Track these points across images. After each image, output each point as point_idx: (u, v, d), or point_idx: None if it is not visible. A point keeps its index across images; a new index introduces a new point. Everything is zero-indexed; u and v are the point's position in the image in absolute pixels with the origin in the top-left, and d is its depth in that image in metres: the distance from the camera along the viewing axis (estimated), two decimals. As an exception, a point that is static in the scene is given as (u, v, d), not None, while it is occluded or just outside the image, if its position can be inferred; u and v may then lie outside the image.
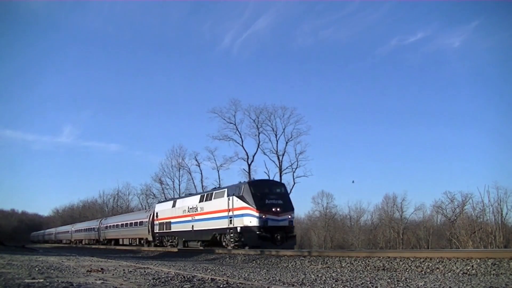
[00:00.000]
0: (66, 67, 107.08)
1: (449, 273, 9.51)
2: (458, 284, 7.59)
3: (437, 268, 10.09)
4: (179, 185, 58.33)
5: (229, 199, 22.45)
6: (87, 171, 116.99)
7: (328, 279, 8.81)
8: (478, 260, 9.79)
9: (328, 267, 12.38)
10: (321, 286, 7.58)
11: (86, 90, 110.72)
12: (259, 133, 48.35)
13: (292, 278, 9.10)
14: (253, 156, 48.57)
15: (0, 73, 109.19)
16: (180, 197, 32.04)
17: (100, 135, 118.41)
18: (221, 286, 6.58)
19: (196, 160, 54.17)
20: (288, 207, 21.83)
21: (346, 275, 9.81)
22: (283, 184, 23.84)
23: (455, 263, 9.99)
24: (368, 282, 8.08)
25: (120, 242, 41.66)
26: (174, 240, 29.23)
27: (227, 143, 49.15)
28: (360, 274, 10.13)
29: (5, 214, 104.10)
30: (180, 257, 20.50)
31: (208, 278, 7.70)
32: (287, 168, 47.69)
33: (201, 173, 55.05)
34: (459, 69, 74.70)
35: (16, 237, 78.23)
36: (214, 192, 25.30)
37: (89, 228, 52.83)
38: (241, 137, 48.61)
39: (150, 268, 10.36)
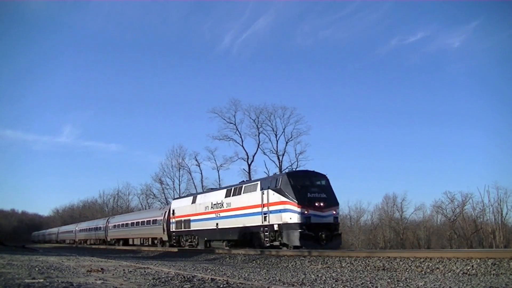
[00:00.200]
0: (66, 67, 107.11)
1: (449, 273, 9.50)
2: (458, 284, 7.59)
3: (437, 268, 10.09)
4: (179, 185, 58.39)
5: (263, 193, 20.13)
6: (87, 171, 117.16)
7: (328, 279, 8.81)
8: (478, 260, 9.79)
9: (328, 267, 12.38)
10: (321, 286, 7.58)
11: (86, 90, 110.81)
12: (259, 133, 48.37)
13: (292, 278, 9.10)
14: (253, 156, 48.60)
15: (1, 73, 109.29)
16: (201, 192, 28.95)
17: (100, 135, 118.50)
18: (221, 286, 6.58)
19: (196, 160, 54.23)
20: (332, 201, 19.42)
21: (346, 275, 9.81)
22: (325, 176, 20.90)
23: (455, 263, 9.99)
24: (368, 282, 8.08)
25: (130, 242, 39.32)
26: (194, 240, 26.93)
27: (227, 143, 49.21)
28: (360, 274, 10.13)
29: (5, 214, 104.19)
30: (180, 257, 20.50)
31: (208, 278, 7.70)
32: (287, 168, 47.60)
33: (201, 173, 55.12)
34: (459, 69, 74.71)
35: (16, 237, 78.14)
36: (243, 185, 22.69)
37: (95, 228, 50.32)
38: (241, 137, 48.63)
39: (150, 268, 10.36)
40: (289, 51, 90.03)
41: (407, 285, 7.66)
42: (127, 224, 39.93)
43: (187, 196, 30.87)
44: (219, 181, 52.04)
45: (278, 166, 47.55)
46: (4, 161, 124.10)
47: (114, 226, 43.37)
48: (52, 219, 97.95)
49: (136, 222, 37.54)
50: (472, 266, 9.57)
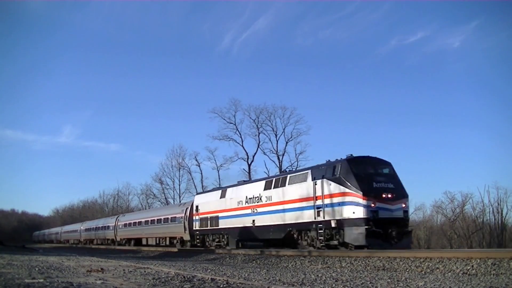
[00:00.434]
0: (65, 67, 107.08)
1: (449, 273, 9.51)
2: (458, 284, 7.59)
3: (437, 268, 10.09)
4: (179, 185, 58.39)
5: (315, 184, 17.34)
6: (87, 171, 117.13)
7: (328, 279, 8.81)
8: (478, 260, 9.79)
9: (328, 267, 12.38)
10: (321, 286, 7.58)
11: (86, 90, 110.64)
12: (259, 133, 48.36)
13: (292, 278, 9.10)
14: (253, 156, 48.57)
15: (1, 73, 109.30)
16: (232, 185, 25.06)
17: (100, 135, 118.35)
18: (221, 286, 6.58)
19: (196, 160, 54.21)
20: (401, 192, 16.68)
21: (346, 275, 9.81)
22: (390, 163, 17.79)
23: (455, 263, 9.99)
24: (368, 282, 8.08)
25: (144, 242, 35.91)
26: (223, 239, 23.99)
27: (227, 143, 49.19)
28: (360, 274, 10.13)
29: (5, 214, 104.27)
30: (180, 257, 20.50)
31: (208, 278, 7.70)
32: (287, 168, 47.63)
33: (201, 173, 55.09)
34: (458, 69, 74.65)
35: (16, 237, 78.07)
36: (288, 175, 19.65)
37: (102, 227, 47.00)
38: (241, 137, 48.59)
39: (150, 268, 10.36)
40: (289, 51, 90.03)
41: (407, 285, 7.66)
42: (140, 223, 36.82)
43: (214, 190, 27.42)
44: (219, 181, 52.01)
45: (278, 166, 47.59)
46: (4, 161, 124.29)
47: (125, 224, 40.30)
48: (52, 219, 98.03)
49: (151, 220, 34.40)
50: (472, 266, 9.57)
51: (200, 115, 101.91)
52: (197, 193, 30.44)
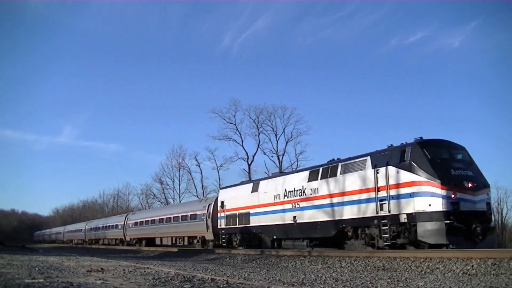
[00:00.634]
0: (66, 67, 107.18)
1: (449, 273, 9.51)
2: (458, 284, 7.59)
3: (437, 268, 10.09)
4: (179, 185, 58.50)
5: (377, 172, 14.97)
6: (87, 171, 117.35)
7: (328, 279, 8.81)
8: (478, 260, 9.79)
9: (328, 267, 12.38)
10: (321, 286, 7.58)
11: (86, 90, 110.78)
12: (259, 133, 48.42)
13: (292, 278, 9.10)
14: (253, 156, 48.62)
15: (1, 74, 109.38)
16: (266, 178, 22.83)
17: (100, 135, 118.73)
18: (221, 286, 6.58)
19: (196, 160, 54.28)
20: (482, 181, 14.39)
21: (346, 275, 9.81)
22: (464, 147, 15.47)
23: (455, 263, 9.99)
24: (368, 282, 8.08)
25: (157, 242, 33.55)
26: (255, 239, 21.60)
27: (227, 143, 49.29)
28: (360, 274, 10.13)
29: (5, 214, 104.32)
30: (180, 257, 20.51)
31: (208, 278, 7.70)
32: (287, 168, 47.68)
33: (201, 173, 55.14)
34: (458, 69, 74.63)
35: (16, 237, 78.15)
36: (340, 164, 16.91)
37: (109, 226, 44.54)
38: (241, 137, 48.63)
39: (150, 268, 10.37)
40: (289, 51, 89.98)
41: (407, 285, 7.66)
42: (153, 221, 34.13)
43: (243, 183, 24.28)
44: (219, 181, 52.05)
45: (278, 166, 47.64)
46: (4, 161, 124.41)
47: (136, 223, 37.71)
48: (52, 219, 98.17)
49: (167, 218, 31.77)
50: (472, 266, 9.57)
51: (200, 115, 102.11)
52: (222, 188, 27.01)
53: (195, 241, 28.03)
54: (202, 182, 54.96)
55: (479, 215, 13.64)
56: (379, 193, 14.84)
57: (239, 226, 22.28)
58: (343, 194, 16.27)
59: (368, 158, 15.66)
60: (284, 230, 19.23)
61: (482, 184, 14.26)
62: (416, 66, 79.13)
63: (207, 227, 25.90)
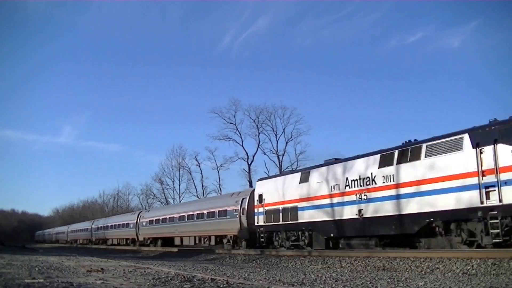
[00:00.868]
0: (66, 67, 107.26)
1: (449, 273, 9.51)
2: (458, 284, 7.59)
3: (437, 268, 10.09)
4: (179, 185, 58.51)
5: (481, 152, 12.25)
6: (87, 171, 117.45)
7: (328, 279, 8.81)
8: (478, 260, 9.79)
9: (328, 267, 12.38)
10: (321, 286, 7.58)
11: (86, 91, 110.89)
12: (259, 133, 48.39)
13: (292, 278, 9.10)
14: (253, 156, 48.56)
15: (1, 74, 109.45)
16: (318, 166, 18.92)
17: (100, 135, 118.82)
18: (221, 286, 6.58)
19: (196, 160, 54.28)
20: None
21: (346, 275, 9.81)
22: None
23: (455, 263, 9.99)
24: (368, 282, 8.08)
25: (177, 242, 30.61)
26: (303, 237, 18.47)
27: (227, 143, 49.25)
28: (360, 274, 10.14)
29: (5, 214, 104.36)
30: (180, 257, 20.52)
31: (208, 278, 7.70)
32: (287, 168, 47.68)
33: (201, 173, 55.09)
34: (458, 69, 74.56)
35: (16, 237, 78.11)
36: (424, 145, 14.10)
37: (120, 225, 41.34)
38: (241, 137, 48.56)
39: (150, 268, 10.37)
40: (288, 51, 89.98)
41: (407, 285, 7.66)
42: (172, 219, 31.01)
43: (287, 173, 21.62)
44: (219, 181, 52.05)
45: (278, 166, 47.65)
46: (4, 161, 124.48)
47: (150, 221, 34.65)
48: (52, 219, 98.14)
49: (189, 215, 28.61)
50: (472, 266, 9.57)
51: (200, 115, 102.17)
52: (260, 179, 23.54)
53: (224, 240, 24.98)
54: (202, 182, 55.03)
55: None
56: (483, 178, 12.08)
57: (283, 223, 19.27)
58: (429, 181, 13.50)
59: (466, 135, 12.86)
60: (345, 226, 16.30)
61: None
62: (416, 66, 79.10)
63: (241, 225, 22.90)
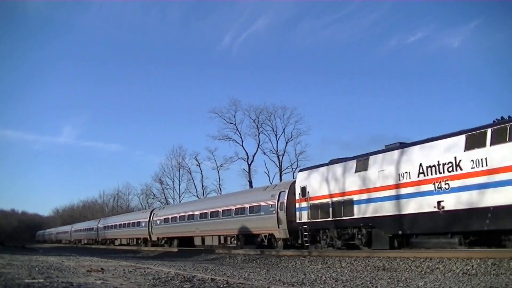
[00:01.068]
0: (65, 67, 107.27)
1: (449, 273, 9.51)
2: (458, 284, 7.59)
3: (437, 268, 10.10)
4: (179, 185, 58.45)
5: None
6: (87, 171, 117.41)
7: (328, 279, 8.82)
8: (478, 260, 9.79)
9: (328, 267, 12.39)
10: (321, 286, 7.58)
11: (86, 91, 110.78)
12: (259, 133, 48.27)
13: (292, 278, 9.10)
14: (253, 156, 48.44)
15: (1, 74, 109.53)
16: (378, 151, 16.28)
17: (100, 135, 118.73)
18: (221, 286, 6.58)
19: (196, 160, 54.18)
20: None
21: (346, 275, 9.82)
22: None
23: (455, 263, 10.00)
24: (368, 282, 8.08)
25: (197, 242, 27.76)
26: (359, 235, 15.99)
27: (227, 143, 49.11)
28: (360, 274, 10.14)
29: (5, 214, 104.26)
30: (180, 257, 20.52)
31: (208, 278, 7.70)
32: (287, 168, 47.64)
33: (201, 173, 55.02)
34: (458, 69, 74.52)
35: (16, 237, 78.01)
36: None
37: (130, 224, 38.53)
38: (241, 137, 48.43)
39: (150, 268, 10.37)
40: (288, 51, 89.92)
41: (407, 285, 7.66)
42: (192, 216, 28.28)
43: (336, 162, 17.96)
44: (219, 181, 52.00)
45: (278, 166, 47.61)
46: (4, 161, 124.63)
47: (165, 219, 31.96)
48: (52, 219, 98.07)
49: (213, 213, 25.96)
50: (472, 266, 9.57)
51: (200, 115, 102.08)
52: (302, 169, 20.41)
53: (258, 239, 22.13)
54: (202, 182, 54.96)
55: None
56: None
57: (335, 219, 16.79)
58: None
59: None
60: (417, 222, 13.97)
61: None
62: (416, 66, 79.06)
63: (278, 222, 20.13)
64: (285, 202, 20.01)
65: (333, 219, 16.86)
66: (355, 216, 15.87)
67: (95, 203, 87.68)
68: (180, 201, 55.46)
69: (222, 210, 25.03)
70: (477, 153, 12.49)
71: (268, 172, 47.51)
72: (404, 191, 14.38)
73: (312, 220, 17.88)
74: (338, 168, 17.32)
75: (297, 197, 18.88)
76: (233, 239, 24.25)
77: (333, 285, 7.71)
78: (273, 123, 48.50)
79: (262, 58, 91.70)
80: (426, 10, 76.57)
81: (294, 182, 19.93)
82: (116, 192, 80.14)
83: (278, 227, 20.14)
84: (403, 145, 15.45)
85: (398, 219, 14.42)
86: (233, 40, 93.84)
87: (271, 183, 43.51)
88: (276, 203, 20.55)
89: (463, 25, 78.14)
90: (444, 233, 13.55)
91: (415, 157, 14.32)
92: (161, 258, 20.06)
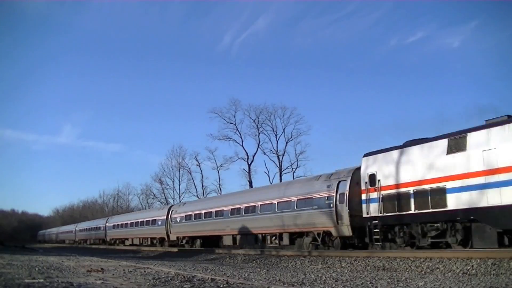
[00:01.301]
0: (65, 67, 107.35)
1: (449, 273, 9.51)
2: (458, 284, 7.60)
3: (437, 268, 10.10)
4: (179, 185, 58.40)
5: None
6: (87, 171, 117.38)
7: (328, 279, 8.82)
8: (478, 260, 9.80)
9: (328, 267, 12.39)
10: (321, 286, 7.58)
11: (86, 90, 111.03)
12: (259, 133, 48.28)
13: (292, 278, 9.10)
14: (253, 156, 48.44)
15: (1, 73, 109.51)
16: (478, 127, 13.20)
17: (100, 135, 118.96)
18: (221, 286, 6.58)
19: (197, 160, 54.14)
20: None
21: (346, 275, 9.81)
22: None
23: (455, 263, 10.00)
24: (368, 282, 8.08)
25: (226, 242, 24.13)
26: (455, 231, 13.15)
27: (227, 143, 49.14)
28: (360, 274, 10.14)
29: (5, 214, 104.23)
30: (180, 257, 20.51)
31: (208, 278, 7.70)
32: (287, 168, 47.66)
33: (201, 173, 54.97)
34: (458, 69, 74.46)
35: (16, 237, 77.95)
36: None
37: (144, 222, 34.97)
38: (241, 137, 48.42)
39: (150, 268, 10.37)
40: (288, 51, 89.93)
41: (407, 285, 7.67)
42: (220, 212, 24.64)
43: (421, 142, 14.82)
44: (219, 181, 51.96)
45: (278, 166, 47.62)
46: (4, 161, 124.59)
47: (187, 216, 28.19)
48: (52, 219, 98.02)
49: (247, 208, 22.39)
50: (472, 266, 9.58)
51: (200, 115, 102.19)
52: (368, 154, 16.64)
53: (307, 239, 18.69)
54: (202, 182, 54.93)
55: None
56: None
57: (418, 212, 13.97)
58: None
59: None
60: None
61: None
62: (416, 66, 79.04)
63: (337, 217, 16.91)
64: (347, 193, 16.78)
65: (416, 212, 13.98)
66: (449, 208, 13.05)
67: (95, 203, 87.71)
68: (180, 201, 55.41)
69: (260, 205, 21.51)
70: None
71: (268, 172, 47.58)
72: None
73: (385, 214, 14.93)
74: (417, 150, 14.54)
75: (363, 187, 15.96)
76: (274, 238, 20.85)
77: (333, 285, 7.71)
78: (273, 123, 48.56)
79: (262, 58, 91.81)
80: (426, 10, 76.66)
81: (357, 169, 16.83)
82: (116, 192, 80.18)
83: (337, 223, 16.91)
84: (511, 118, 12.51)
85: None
86: (233, 40, 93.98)
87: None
88: (334, 194, 17.28)
89: (463, 25, 78.19)
90: None
91: None
92: (161, 258, 20.06)
